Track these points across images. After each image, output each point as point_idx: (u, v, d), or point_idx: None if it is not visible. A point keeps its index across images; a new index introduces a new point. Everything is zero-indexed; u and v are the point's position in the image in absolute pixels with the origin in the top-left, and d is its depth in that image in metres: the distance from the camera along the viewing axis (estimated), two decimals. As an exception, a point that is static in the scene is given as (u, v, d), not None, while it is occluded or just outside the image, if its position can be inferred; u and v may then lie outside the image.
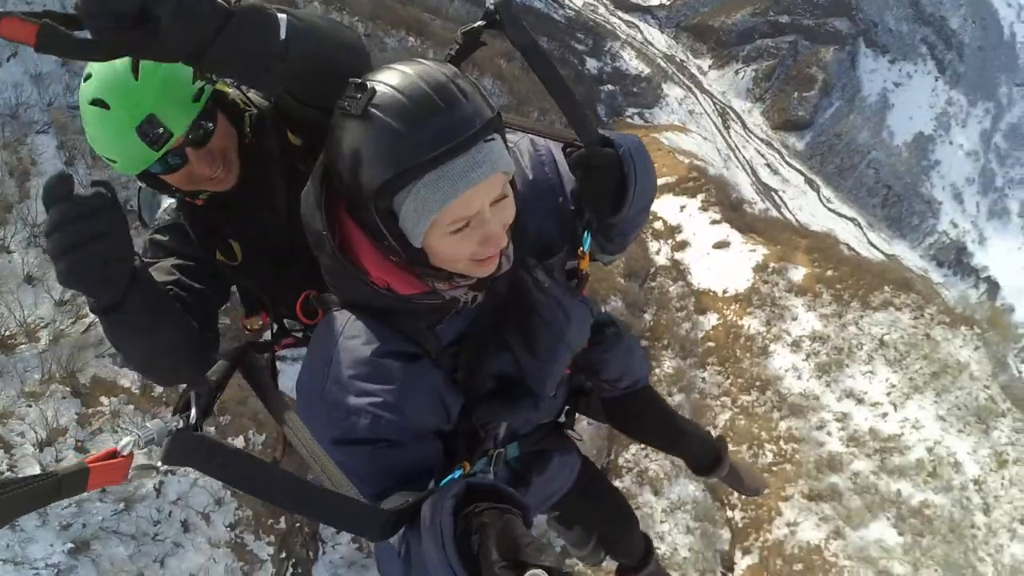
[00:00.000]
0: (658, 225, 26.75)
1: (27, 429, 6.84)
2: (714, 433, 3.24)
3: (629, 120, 47.17)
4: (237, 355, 1.68)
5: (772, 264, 23.76)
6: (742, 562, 15.77)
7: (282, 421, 1.40)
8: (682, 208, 27.85)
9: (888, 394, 20.17)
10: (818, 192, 58.87)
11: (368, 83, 1.24)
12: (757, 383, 19.83)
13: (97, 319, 1.58)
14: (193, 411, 1.27)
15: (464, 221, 1.28)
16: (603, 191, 1.64)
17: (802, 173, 59.81)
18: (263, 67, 1.41)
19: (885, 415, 19.69)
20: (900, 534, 17.14)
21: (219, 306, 2.05)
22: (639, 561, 2.93)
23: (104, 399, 7.62)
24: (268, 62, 1.40)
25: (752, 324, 21.72)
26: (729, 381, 19.84)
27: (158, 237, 2.03)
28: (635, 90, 51.41)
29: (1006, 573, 17.19)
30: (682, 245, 25.81)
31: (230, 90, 1.96)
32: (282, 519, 8.76)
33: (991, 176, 73.02)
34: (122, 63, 1.58)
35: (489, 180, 1.26)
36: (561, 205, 1.68)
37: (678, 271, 24.14)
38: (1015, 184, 74.46)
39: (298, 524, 9.07)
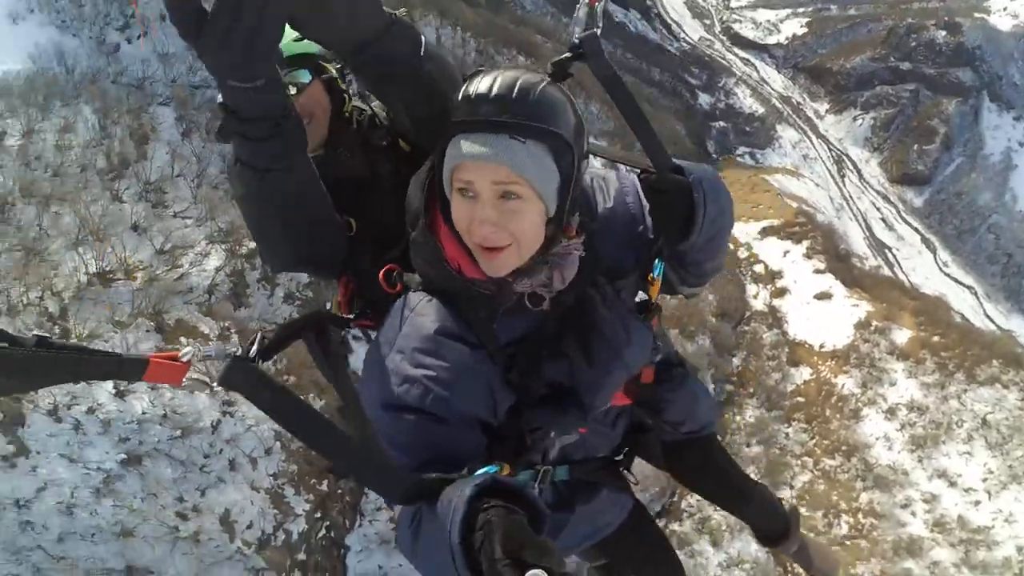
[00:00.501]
0: (758, 268, 26.04)
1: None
2: (788, 496, 2.95)
3: (739, 159, 46.41)
4: (315, 318, 1.94)
5: (875, 322, 22.65)
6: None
7: (341, 392, 1.74)
8: (785, 253, 26.98)
9: (984, 480, 18.71)
10: (934, 254, 56.07)
11: (482, 69, 1.52)
12: (843, 447, 18.83)
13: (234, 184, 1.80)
14: (255, 347, 1.48)
15: (464, 186, 1.45)
16: (672, 216, 1.70)
17: (918, 231, 57.26)
18: (394, 75, 1.75)
19: (977, 503, 18.23)
20: None
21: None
22: None
23: (183, 339, 8.55)
24: (402, 71, 1.74)
25: (847, 384, 20.68)
26: (814, 441, 18.90)
27: None
28: (747, 129, 50.50)
29: None
30: (781, 292, 24.97)
31: (333, 71, 2.24)
32: (325, 482, 9.20)
33: None
34: None
35: (492, 166, 1.41)
36: (640, 233, 1.79)
37: (775, 318, 23.34)
38: None
39: (340, 491, 9.45)
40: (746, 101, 54.35)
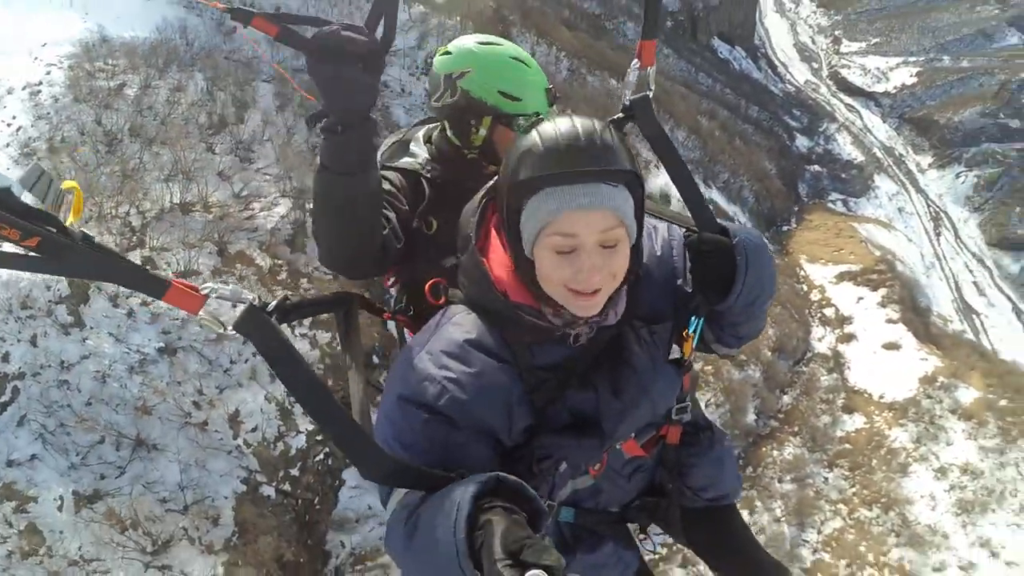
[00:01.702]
0: (828, 312, 25.51)
1: (174, 261, 9.16)
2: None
3: (831, 204, 45.03)
4: (344, 299, 2.04)
5: (942, 378, 21.89)
6: None
7: (353, 372, 1.74)
8: (859, 300, 26.34)
9: (1035, 559, 17.90)
10: None
11: (544, 116, 1.64)
12: (883, 500, 18.21)
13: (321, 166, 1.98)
14: (274, 303, 1.59)
15: (566, 245, 1.47)
16: (713, 277, 1.76)
17: (1011, 300, 53.38)
18: None
19: (1016, 580, 17.48)
20: None
21: (396, 236, 2.35)
22: None
23: (239, 265, 9.90)
24: None
25: (900, 437, 20.06)
26: (853, 490, 18.39)
27: (388, 173, 2.48)
28: (843, 176, 49.18)
29: None
30: (848, 338, 24.38)
31: None
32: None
33: None
34: (524, 58, 2.52)
35: (596, 212, 1.45)
36: (678, 287, 1.84)
37: (836, 363, 22.81)
38: None
39: None
40: (845, 148, 52.92)
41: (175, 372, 8.44)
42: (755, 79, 54.12)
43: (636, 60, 1.92)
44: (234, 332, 1.25)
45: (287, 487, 8.98)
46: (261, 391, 9.04)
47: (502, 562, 0.98)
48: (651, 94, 1.94)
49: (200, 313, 1.24)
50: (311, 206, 2.37)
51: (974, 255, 57.20)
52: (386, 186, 2.36)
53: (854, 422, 20.65)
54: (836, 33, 75.84)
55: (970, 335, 39.36)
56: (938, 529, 17.98)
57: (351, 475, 9.95)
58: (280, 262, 10.50)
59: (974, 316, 48.67)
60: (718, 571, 2.53)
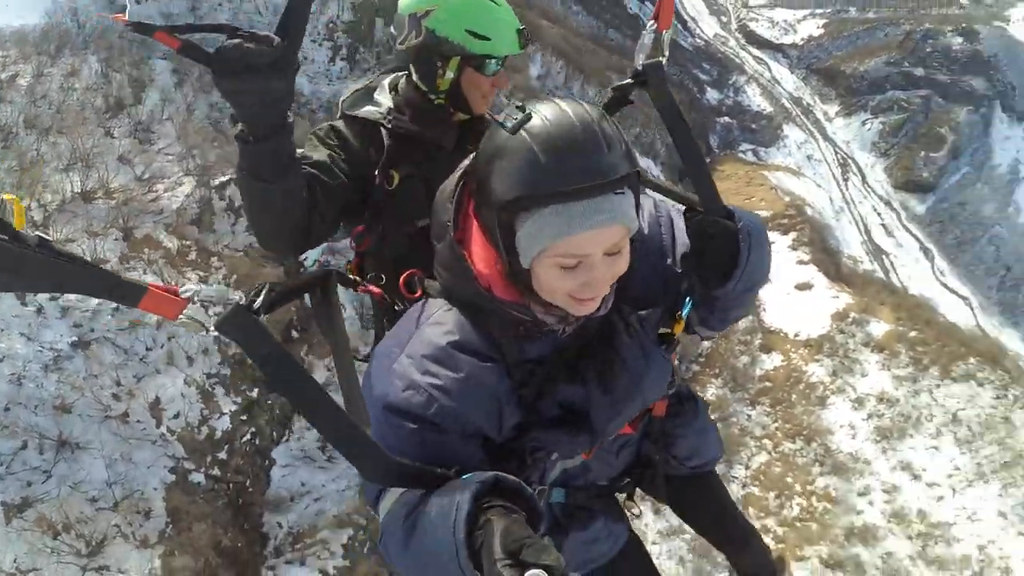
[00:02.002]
0: (740, 257, 25.84)
1: (79, 252, 8.86)
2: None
3: (741, 155, 46.39)
4: (322, 277, 1.93)
5: (853, 314, 22.49)
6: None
7: (336, 351, 1.77)
8: (771, 244, 26.81)
9: (950, 476, 18.59)
10: (932, 263, 55.23)
11: (528, 107, 1.35)
12: (805, 432, 18.73)
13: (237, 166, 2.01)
14: (261, 298, 1.42)
15: (573, 260, 1.35)
16: (714, 261, 1.69)
17: (918, 239, 56.66)
18: None
19: (940, 498, 18.10)
20: None
21: (343, 203, 2.30)
22: None
23: (147, 250, 9.84)
24: None
25: (817, 372, 20.55)
26: (776, 424, 18.80)
27: (341, 126, 2.43)
28: (753, 127, 50.51)
29: None
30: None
31: None
32: (256, 390, 9.93)
33: None
34: None
35: (607, 229, 1.33)
36: (667, 267, 1.75)
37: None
38: None
39: (269, 401, 10.04)
40: (755, 99, 54.27)
41: (91, 365, 8.30)
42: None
43: (652, 21, 1.83)
44: (215, 333, 1.19)
45: (216, 472, 8.88)
46: (180, 375, 8.96)
47: (502, 562, 0.98)
48: (665, 60, 1.83)
49: (182, 317, 1.17)
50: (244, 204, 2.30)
51: (881, 198, 59.45)
52: (325, 155, 2.30)
53: (772, 360, 21.02)
54: None
55: (880, 274, 41.41)
56: (860, 456, 18.45)
57: (281, 453, 10.07)
58: (188, 243, 10.45)
59: (883, 256, 50.91)
60: (700, 532, 2.69)
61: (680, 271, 1.74)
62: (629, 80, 1.85)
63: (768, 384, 20.04)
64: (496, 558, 0.98)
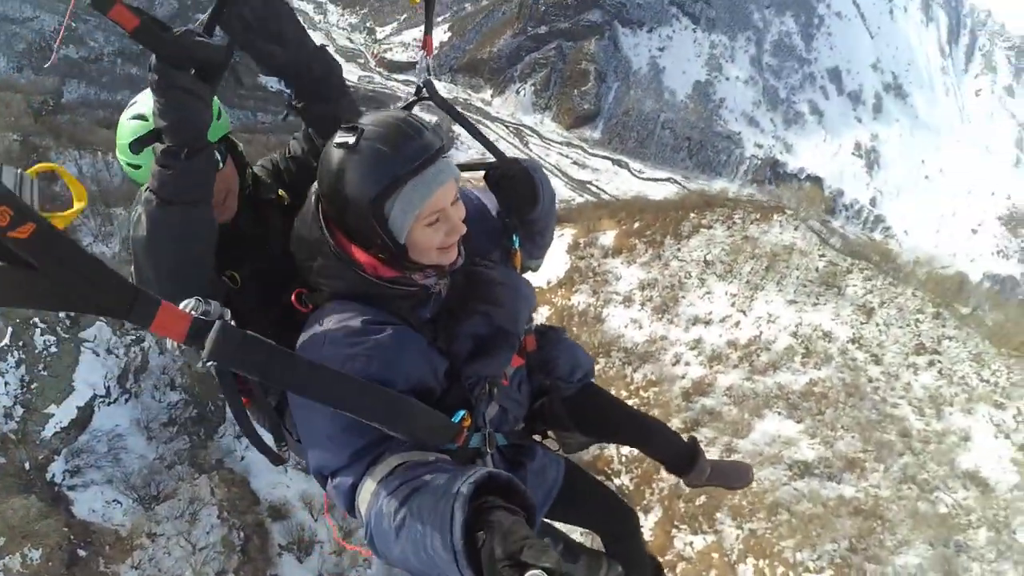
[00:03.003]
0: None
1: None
2: None
3: (421, 169, 48.24)
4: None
5: (582, 240, 23.97)
6: (647, 522, 15.21)
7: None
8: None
9: (732, 304, 20.47)
10: (628, 168, 63.17)
11: (356, 125, 1.62)
12: (600, 349, 19.56)
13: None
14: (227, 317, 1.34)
15: (436, 215, 1.67)
16: (521, 192, 2.13)
17: (608, 158, 64.16)
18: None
19: (737, 323, 19.91)
20: (798, 421, 17.12)
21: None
22: None
23: None
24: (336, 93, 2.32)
25: (581, 299, 21.59)
26: (575, 336, 19.55)
27: None
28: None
29: (926, 404, 17.48)
30: (498, 258, 25.64)
31: (239, 144, 2.32)
32: None
33: (774, 91, 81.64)
34: None
35: (449, 183, 1.68)
36: (491, 224, 2.14)
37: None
38: (797, 89, 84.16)
39: None
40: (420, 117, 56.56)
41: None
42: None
43: (422, 51, 2.31)
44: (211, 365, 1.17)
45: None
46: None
47: (502, 563, 1.00)
48: (432, 77, 2.35)
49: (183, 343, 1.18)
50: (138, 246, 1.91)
51: (562, 143, 66.95)
52: None
53: (541, 315, 21.48)
54: (368, 24, 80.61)
55: (590, 197, 44.90)
56: (655, 337, 19.91)
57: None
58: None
59: (587, 185, 58.01)
60: (612, 438, 2.90)
61: (499, 224, 2.15)
62: (414, 97, 2.33)
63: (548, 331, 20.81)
64: (496, 559, 1.02)
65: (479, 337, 1.89)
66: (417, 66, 2.35)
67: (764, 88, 78.33)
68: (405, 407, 1.50)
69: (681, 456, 2.92)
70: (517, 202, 2.14)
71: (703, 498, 15.20)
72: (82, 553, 11.40)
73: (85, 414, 13.69)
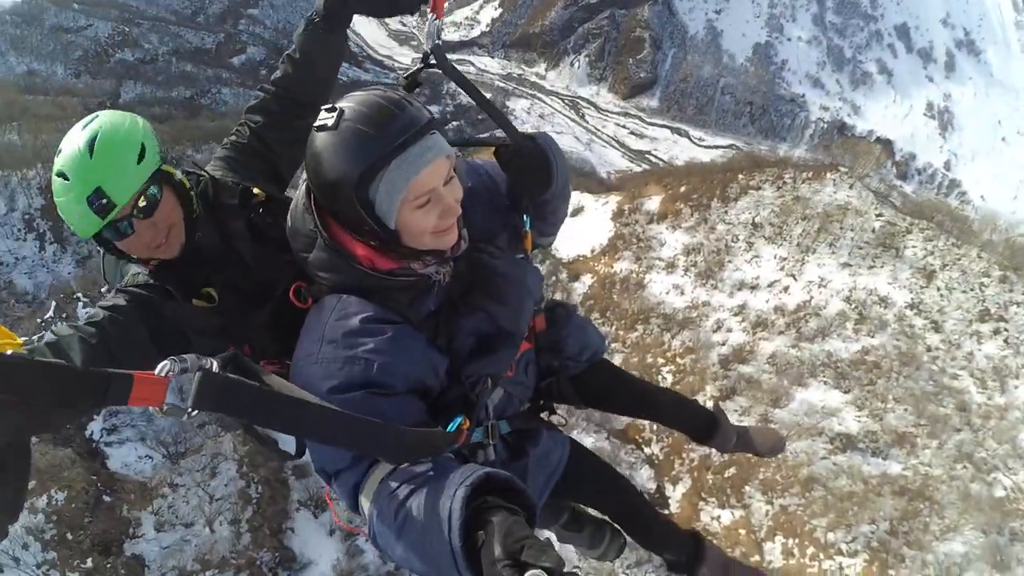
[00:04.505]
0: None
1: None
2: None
3: (478, 144, 49.34)
4: (230, 358, 1.74)
5: (627, 206, 23.43)
6: (674, 493, 14.77)
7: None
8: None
9: (781, 268, 19.67)
10: (688, 137, 61.08)
11: (336, 105, 1.59)
12: (640, 316, 19.19)
13: None
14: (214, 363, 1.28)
15: (426, 196, 1.58)
16: (534, 171, 1.95)
17: (667, 126, 62.17)
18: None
19: (787, 288, 19.13)
20: (845, 391, 16.31)
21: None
22: (688, 558, 2.66)
23: None
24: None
25: (623, 266, 21.18)
26: (613, 328, 19.18)
27: (120, 298, 2.13)
28: (480, 117, 53.44)
29: (989, 376, 16.41)
30: (539, 229, 25.61)
31: (177, 172, 2.16)
32: None
33: (838, 51, 78.49)
34: (83, 142, 1.90)
35: (439, 161, 1.57)
36: (500, 201, 2.01)
37: (543, 253, 23.72)
38: (864, 48, 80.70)
39: None
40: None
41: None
42: (367, 80, 56.01)
43: (431, 13, 2.03)
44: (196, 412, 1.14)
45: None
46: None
47: (501, 563, 1.00)
48: (441, 43, 2.02)
49: (165, 403, 1.12)
50: None
51: (619, 113, 64.75)
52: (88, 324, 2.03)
53: (585, 283, 21.49)
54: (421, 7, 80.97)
55: (646, 166, 44.41)
56: (696, 303, 19.28)
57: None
58: None
59: (646, 156, 56.29)
60: (622, 412, 2.87)
61: (509, 202, 2.01)
62: (420, 65, 2.02)
63: (592, 302, 20.46)
64: (496, 559, 1.01)
65: (481, 335, 1.83)
66: (426, 30, 2.07)
67: (828, 48, 75.58)
68: (398, 435, 1.41)
69: (701, 425, 2.88)
70: (530, 182, 1.99)
71: (732, 470, 14.66)
72: (107, 499, 12.49)
73: (124, 379, 15.26)
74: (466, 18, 73.60)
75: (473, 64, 62.43)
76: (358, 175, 1.51)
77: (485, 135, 2.30)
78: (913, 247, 19.24)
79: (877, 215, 20.21)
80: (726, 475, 14.71)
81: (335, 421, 1.33)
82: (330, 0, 2.22)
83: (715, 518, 14.34)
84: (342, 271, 1.67)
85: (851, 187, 21.25)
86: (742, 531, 13.68)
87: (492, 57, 65.46)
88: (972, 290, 18.12)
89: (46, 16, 58.71)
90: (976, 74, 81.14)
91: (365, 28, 68.31)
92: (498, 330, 1.83)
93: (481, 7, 74.68)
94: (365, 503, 1.45)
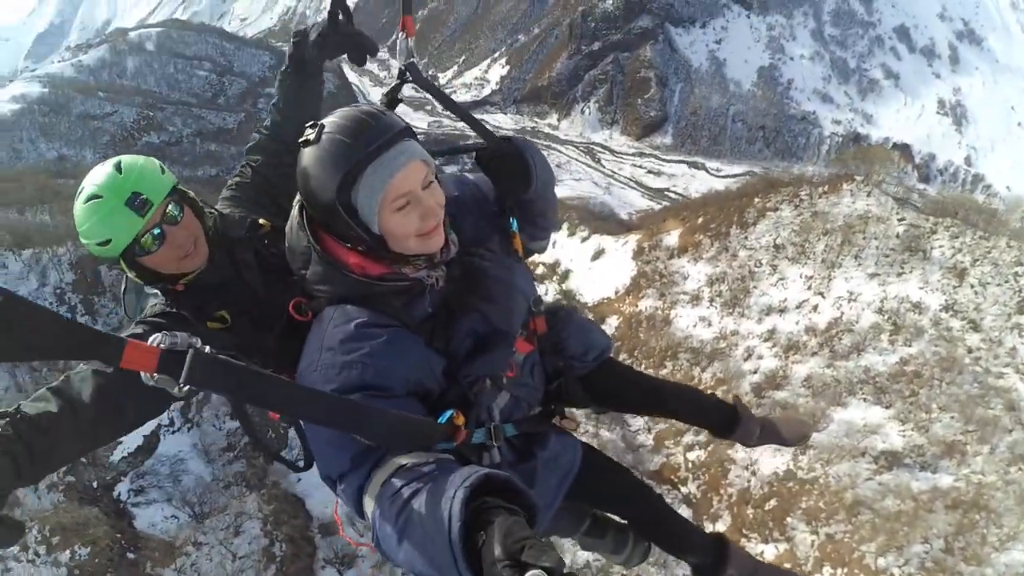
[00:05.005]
0: (539, 271, 26.52)
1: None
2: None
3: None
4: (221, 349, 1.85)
5: (646, 244, 23.39)
6: (714, 530, 14.36)
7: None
8: (553, 245, 27.86)
9: (808, 287, 19.41)
10: (704, 168, 61.54)
11: (318, 122, 1.68)
12: (667, 352, 19.01)
13: None
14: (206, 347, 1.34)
15: (404, 198, 1.64)
16: (514, 172, 2.04)
17: (683, 161, 63.00)
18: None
19: (816, 307, 18.83)
20: (886, 406, 15.77)
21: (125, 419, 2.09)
22: (714, 560, 2.66)
23: None
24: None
25: (648, 304, 21.08)
26: (642, 367, 18.90)
27: (139, 328, 2.21)
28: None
29: None
30: (566, 275, 25.63)
31: (189, 191, 2.33)
32: None
33: (842, 63, 79.08)
34: (111, 166, 2.11)
35: (414, 164, 1.64)
36: (488, 208, 2.11)
37: (568, 297, 23.73)
38: (867, 55, 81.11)
39: None
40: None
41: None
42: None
43: (402, 32, 2.18)
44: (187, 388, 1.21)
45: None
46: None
47: (501, 563, 1.00)
48: (416, 59, 2.22)
49: (156, 375, 1.20)
50: None
51: (634, 154, 65.92)
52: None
53: (612, 324, 21.38)
54: (430, 72, 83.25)
55: (666, 203, 44.42)
56: (724, 334, 19.12)
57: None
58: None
59: (665, 192, 56.23)
60: (634, 411, 2.89)
61: (497, 208, 2.11)
62: (398, 82, 2.20)
63: (619, 343, 20.32)
64: (496, 559, 1.02)
65: (477, 335, 1.88)
66: (397, 47, 2.25)
67: (832, 61, 76.20)
68: (383, 417, 1.47)
69: (721, 418, 2.82)
70: (510, 182, 2.08)
71: (773, 502, 14.19)
72: (131, 555, 12.83)
73: (151, 442, 15.71)
74: (476, 78, 75.41)
75: (487, 122, 63.33)
76: (339, 181, 1.61)
77: (468, 142, 2.39)
78: (940, 247, 18.73)
79: (899, 219, 19.82)
80: (767, 508, 14.25)
81: (322, 400, 1.40)
82: (295, 54, 2.37)
83: (758, 555, 13.89)
84: (336, 282, 1.75)
85: (869, 195, 20.95)
86: (787, 565, 13.19)
87: (505, 113, 66.98)
88: (1007, 282, 17.49)
89: (73, 105, 62.67)
90: (982, 63, 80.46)
91: (375, 95, 70.29)
92: (492, 329, 1.89)
93: (489, 66, 76.59)
94: (369, 505, 1.49)
